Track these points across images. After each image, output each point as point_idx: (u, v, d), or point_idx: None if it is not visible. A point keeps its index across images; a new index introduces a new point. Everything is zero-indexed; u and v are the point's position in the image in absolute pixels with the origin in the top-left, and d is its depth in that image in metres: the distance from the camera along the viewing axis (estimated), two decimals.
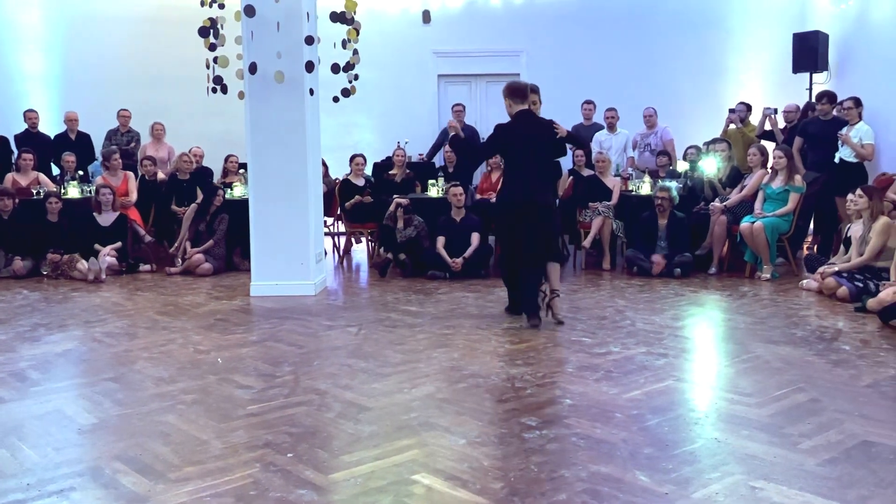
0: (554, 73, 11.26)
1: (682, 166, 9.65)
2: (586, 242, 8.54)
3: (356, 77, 7.47)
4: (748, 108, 9.93)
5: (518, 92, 5.93)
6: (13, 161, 9.52)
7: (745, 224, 7.76)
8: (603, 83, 11.00)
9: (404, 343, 5.38)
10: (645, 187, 8.74)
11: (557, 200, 9.31)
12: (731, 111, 9.70)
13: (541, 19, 11.68)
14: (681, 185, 8.71)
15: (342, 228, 9.96)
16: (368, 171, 10.08)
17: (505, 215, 5.88)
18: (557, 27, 11.61)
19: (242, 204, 7.97)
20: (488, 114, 11.90)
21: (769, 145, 8.75)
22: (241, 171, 9.68)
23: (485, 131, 11.68)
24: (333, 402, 4.11)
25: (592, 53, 11.50)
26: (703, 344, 5.60)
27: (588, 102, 10.35)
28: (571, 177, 9.20)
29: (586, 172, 9.11)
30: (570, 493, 2.98)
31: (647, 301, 6.74)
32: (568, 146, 6.41)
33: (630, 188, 8.96)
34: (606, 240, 8.53)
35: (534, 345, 5.28)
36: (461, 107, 10.54)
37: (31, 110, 10.11)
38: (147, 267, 8.54)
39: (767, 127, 9.35)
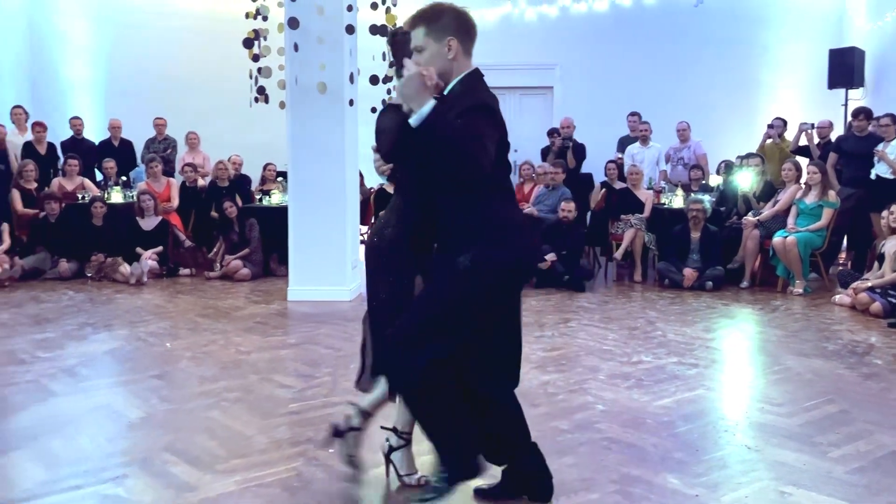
0: (588, 86, 11.37)
1: (714, 180, 9.70)
2: (618, 254, 8.62)
3: (395, 88, 7.62)
4: (784, 123, 9.95)
5: (472, 27, 2.77)
6: (60, 167, 9.82)
7: (777, 238, 7.79)
8: (636, 96, 11.07)
9: None
10: (677, 200, 8.79)
11: (589, 213, 9.50)
12: (770, 126, 9.72)
13: (575, 33, 11.79)
14: (713, 199, 8.75)
15: None
16: None
17: (510, 286, 2.79)
18: (592, 40, 11.71)
19: (280, 211, 8.16)
20: (521, 128, 12.03)
21: (803, 161, 8.77)
22: (279, 179, 9.89)
23: (517, 145, 11.87)
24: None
25: (626, 67, 11.59)
26: (734, 355, 5.65)
27: (633, 114, 10.44)
28: (604, 189, 9.28)
29: (619, 185, 9.19)
30: (602, 494, 3.07)
31: (678, 313, 6.80)
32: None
33: (662, 201, 9.02)
34: (638, 252, 8.59)
35: (566, 353, 5.37)
36: None
37: (76, 118, 10.41)
38: (187, 271, 8.76)
39: (803, 142, 9.36)
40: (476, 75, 2.73)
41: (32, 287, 7.93)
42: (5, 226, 8.48)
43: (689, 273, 7.90)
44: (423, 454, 3.17)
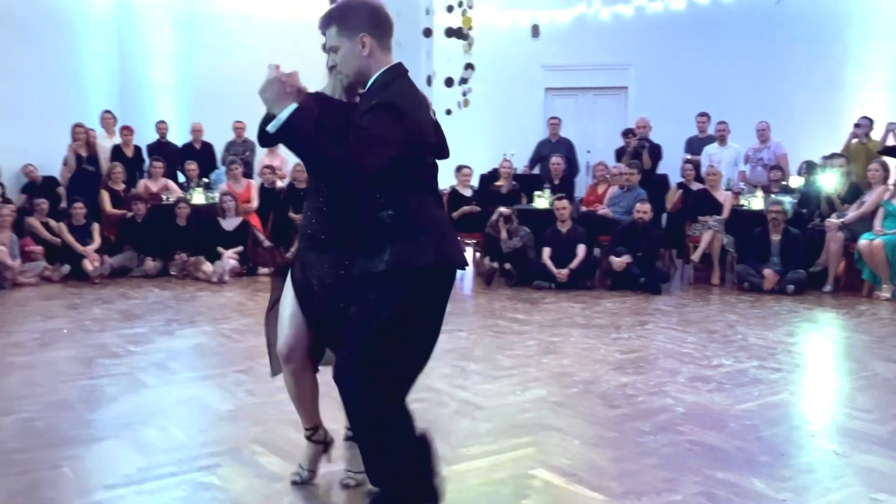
0: (664, 85, 11.23)
1: (795, 181, 9.45)
2: (695, 256, 8.49)
3: (470, 90, 7.69)
4: (871, 122, 9.62)
5: (385, 21, 2.67)
6: (145, 169, 10.20)
7: (863, 241, 7.55)
8: (714, 96, 10.86)
9: (513, 349, 5.51)
10: (757, 202, 8.60)
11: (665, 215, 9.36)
12: (857, 126, 9.42)
13: (651, 31, 11.66)
14: (795, 201, 8.54)
15: None
16: (474, 182, 10.29)
17: (431, 294, 2.65)
18: (668, 39, 11.56)
19: None
20: (595, 127, 11.98)
21: (891, 161, 8.47)
22: None
23: (590, 145, 11.81)
24: (449, 400, 4.29)
25: (703, 66, 11.39)
26: (819, 360, 5.51)
27: (702, 115, 10.26)
28: (680, 190, 9.15)
29: (695, 186, 9.05)
30: (686, 495, 3.05)
31: (758, 316, 6.66)
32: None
33: (741, 202, 8.84)
34: (716, 254, 8.44)
35: (644, 355, 5.32)
36: (557, 120, 10.64)
37: (161, 121, 10.79)
38: (266, 270, 8.99)
39: (890, 142, 9.03)
40: (396, 71, 2.62)
41: (120, 284, 8.26)
42: (95, 225, 8.85)
43: (769, 276, 7.72)
44: None
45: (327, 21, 2.63)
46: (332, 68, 2.74)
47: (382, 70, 2.60)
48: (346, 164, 2.39)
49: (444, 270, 2.63)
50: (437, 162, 2.84)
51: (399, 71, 2.63)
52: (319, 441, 3.22)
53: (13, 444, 3.60)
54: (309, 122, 2.44)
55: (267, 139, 2.55)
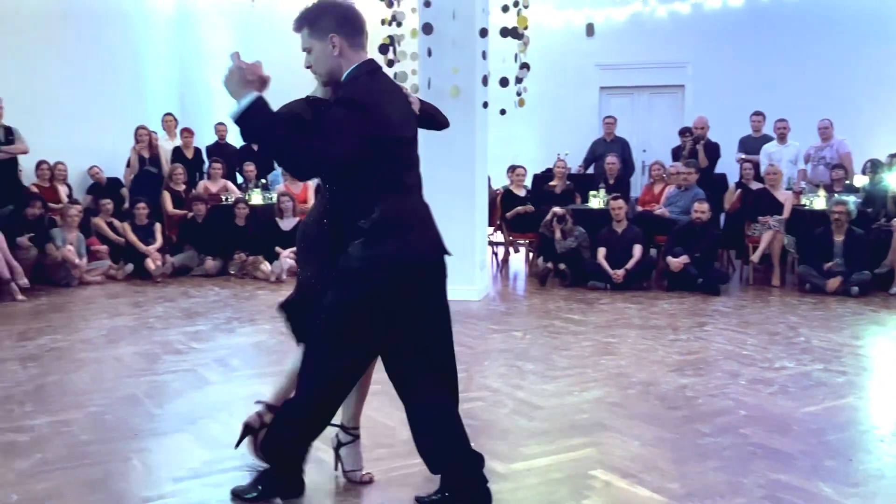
0: (722, 83, 11.05)
1: (859, 180, 9.21)
2: (755, 257, 8.33)
3: (525, 89, 7.67)
4: None
5: (355, 21, 2.74)
6: (205, 170, 10.41)
7: None
8: (773, 94, 10.65)
9: (569, 349, 5.49)
10: (819, 202, 8.40)
11: (722, 215, 9.20)
12: None
13: (709, 29, 11.47)
14: (859, 200, 8.31)
15: (498, 238, 10.19)
16: (528, 182, 10.25)
17: (397, 289, 2.71)
18: (726, 36, 11.37)
19: None
20: (651, 126, 11.83)
21: None
22: None
23: (646, 144, 11.68)
24: (507, 400, 4.29)
25: (762, 63, 11.16)
26: (887, 363, 5.36)
27: (757, 113, 10.05)
28: (739, 189, 8.99)
29: (755, 185, 8.88)
30: (750, 499, 3.00)
31: (821, 318, 6.51)
32: None
33: (803, 202, 8.64)
34: (776, 255, 8.27)
35: (704, 357, 5.25)
36: (612, 119, 10.55)
37: (220, 123, 11.00)
38: None
39: None
40: (365, 67, 2.70)
41: (182, 283, 8.46)
42: (158, 225, 9.08)
43: (832, 281, 7.53)
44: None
45: (300, 23, 2.73)
46: (308, 68, 2.82)
47: (351, 68, 2.69)
48: (304, 153, 2.50)
49: (415, 266, 2.71)
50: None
51: (367, 67, 2.71)
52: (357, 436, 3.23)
53: (85, 436, 3.73)
54: (268, 111, 2.49)
55: (244, 134, 2.59)
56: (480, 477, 2.87)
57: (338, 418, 3.20)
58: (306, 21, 2.71)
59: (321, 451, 3.49)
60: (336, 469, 3.27)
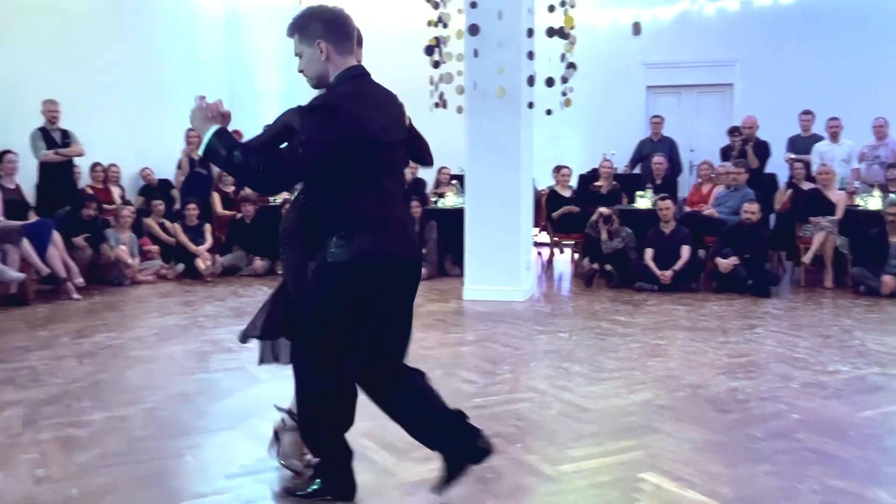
0: (771, 82, 10.86)
1: None
2: (806, 258, 8.17)
3: (571, 89, 7.63)
4: None
5: (342, 27, 2.81)
6: None
7: None
8: (824, 92, 10.41)
9: (617, 351, 5.45)
10: (874, 202, 8.20)
11: (771, 216, 9.03)
12: None
13: (757, 26, 11.28)
14: None
15: (543, 239, 10.15)
16: (573, 182, 10.20)
17: (376, 287, 2.80)
18: (775, 34, 11.15)
19: (453, 213, 8.37)
20: (698, 126, 11.68)
21: None
22: (453, 181, 10.13)
23: (693, 144, 11.52)
24: (553, 401, 4.28)
25: (814, 60, 10.93)
26: None
27: (806, 112, 9.84)
28: (790, 190, 8.82)
29: (806, 185, 8.70)
30: None
31: (877, 321, 6.36)
32: None
33: (856, 202, 8.44)
34: (829, 256, 8.10)
35: (754, 360, 5.17)
36: (659, 118, 10.45)
37: (268, 125, 11.15)
38: None
39: None
40: (348, 73, 2.79)
41: (231, 282, 8.59)
42: (207, 226, 9.23)
43: (888, 280, 7.35)
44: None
45: (291, 29, 2.82)
46: (301, 72, 2.89)
47: (337, 73, 2.79)
48: (264, 172, 2.61)
49: (389, 262, 2.78)
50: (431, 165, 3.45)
51: (352, 72, 2.80)
52: None
53: (140, 432, 3.81)
54: (227, 140, 2.62)
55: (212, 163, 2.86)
56: (471, 430, 2.98)
57: (287, 403, 3.28)
58: (297, 27, 2.81)
59: (370, 451, 3.53)
60: (268, 452, 3.34)
